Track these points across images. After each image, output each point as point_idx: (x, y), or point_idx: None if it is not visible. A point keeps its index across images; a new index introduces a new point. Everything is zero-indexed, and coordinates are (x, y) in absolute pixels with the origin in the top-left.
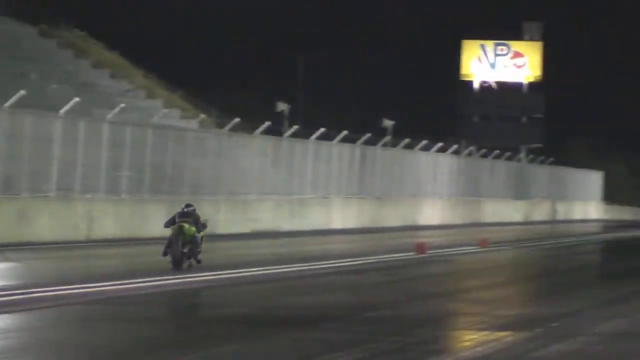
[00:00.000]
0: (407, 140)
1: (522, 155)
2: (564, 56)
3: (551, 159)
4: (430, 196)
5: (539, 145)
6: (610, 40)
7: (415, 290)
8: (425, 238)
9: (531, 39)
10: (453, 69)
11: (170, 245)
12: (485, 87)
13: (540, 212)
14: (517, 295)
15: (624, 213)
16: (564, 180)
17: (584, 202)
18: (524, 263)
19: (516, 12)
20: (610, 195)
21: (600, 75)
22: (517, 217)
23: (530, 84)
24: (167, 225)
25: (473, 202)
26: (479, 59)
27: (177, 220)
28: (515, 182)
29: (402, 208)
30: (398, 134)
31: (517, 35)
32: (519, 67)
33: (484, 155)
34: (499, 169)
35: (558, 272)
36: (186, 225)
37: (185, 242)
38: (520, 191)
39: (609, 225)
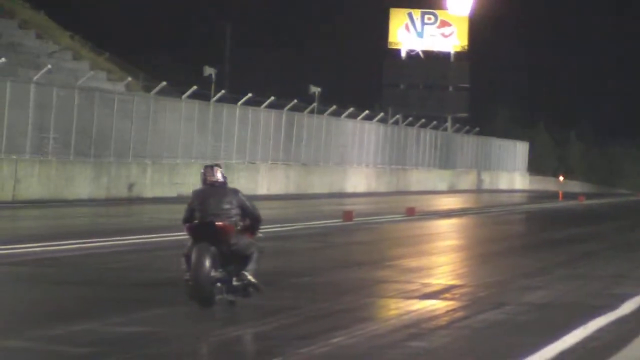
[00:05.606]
0: (333, 107)
1: (448, 124)
2: (489, 27)
3: (477, 129)
4: (357, 164)
5: (465, 114)
6: (534, 15)
7: (342, 258)
8: (351, 205)
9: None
10: (381, 37)
11: None
12: (412, 56)
13: (466, 181)
14: (445, 264)
15: (549, 184)
16: (490, 150)
17: (510, 173)
18: (450, 232)
19: None
20: (536, 166)
21: (526, 47)
22: (442, 186)
23: (457, 54)
24: None
25: (399, 170)
26: (407, 28)
27: None
28: (440, 152)
29: (329, 175)
30: (325, 102)
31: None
32: (446, 36)
33: (410, 124)
34: (424, 138)
35: (484, 241)
36: None
37: None
38: (445, 160)
39: (533, 196)
